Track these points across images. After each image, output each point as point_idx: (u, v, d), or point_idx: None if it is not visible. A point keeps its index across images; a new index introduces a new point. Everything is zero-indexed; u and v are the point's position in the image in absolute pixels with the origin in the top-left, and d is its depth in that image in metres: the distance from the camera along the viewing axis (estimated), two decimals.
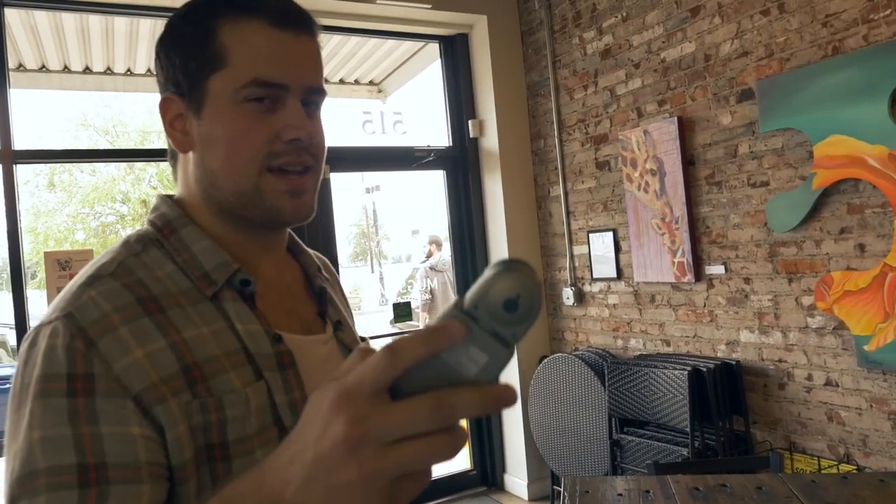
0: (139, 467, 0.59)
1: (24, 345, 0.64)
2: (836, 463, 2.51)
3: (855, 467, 2.45)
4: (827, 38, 2.45)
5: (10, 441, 0.61)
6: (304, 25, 0.73)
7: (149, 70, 4.30)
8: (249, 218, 0.74)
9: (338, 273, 1.01)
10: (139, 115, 12.74)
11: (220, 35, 0.70)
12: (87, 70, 4.20)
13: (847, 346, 2.47)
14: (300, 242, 0.87)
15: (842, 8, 2.40)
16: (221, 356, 0.68)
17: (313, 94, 0.74)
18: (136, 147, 11.59)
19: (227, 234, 0.75)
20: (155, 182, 12.90)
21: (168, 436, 0.62)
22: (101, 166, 12.16)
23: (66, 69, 4.15)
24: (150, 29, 3.70)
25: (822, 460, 2.57)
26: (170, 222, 0.74)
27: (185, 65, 0.72)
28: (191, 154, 0.74)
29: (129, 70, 4.28)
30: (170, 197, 0.78)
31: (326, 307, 0.83)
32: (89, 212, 12.72)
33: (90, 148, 10.06)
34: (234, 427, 0.65)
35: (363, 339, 0.91)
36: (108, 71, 4.25)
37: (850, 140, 2.36)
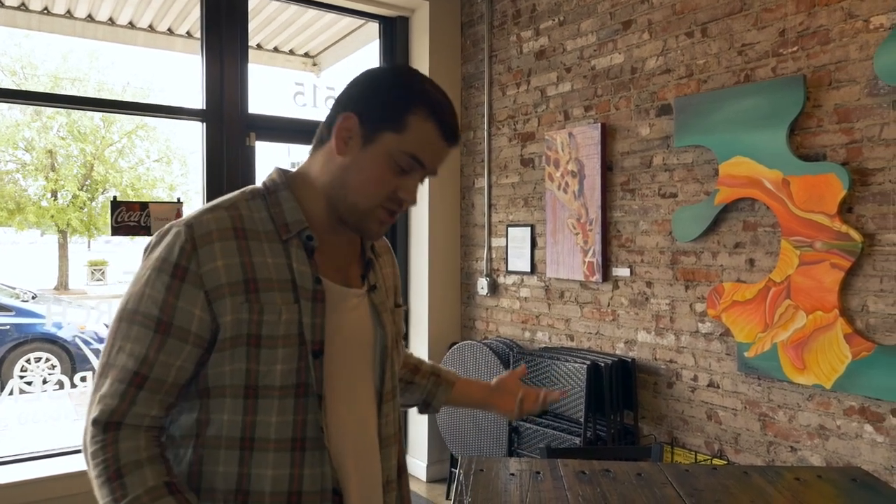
0: (189, 333, 0.97)
1: (161, 233, 1.01)
2: (709, 458, 2.72)
3: (726, 462, 2.66)
4: (741, 66, 2.63)
5: (133, 283, 1.00)
6: (456, 143, 1.08)
7: (68, 12, 4.05)
8: (344, 220, 1.07)
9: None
10: (52, 59, 11.91)
11: (411, 114, 1.02)
12: None
13: (730, 352, 2.68)
14: None
15: (756, 39, 2.58)
16: (274, 280, 1.01)
17: (430, 175, 1.08)
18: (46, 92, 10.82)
19: (318, 208, 1.07)
20: (64, 133, 12.11)
21: (219, 321, 0.97)
22: (3, 108, 11.27)
23: None
24: None
25: (698, 455, 2.78)
26: (275, 185, 1.08)
27: (375, 108, 1.03)
28: (339, 157, 1.05)
29: (46, 8, 4.01)
30: (282, 170, 1.11)
31: (368, 273, 1.16)
32: None
33: None
34: (267, 327, 0.98)
35: (399, 305, 1.26)
36: (22, 6, 3.97)
37: (751, 162, 2.55)
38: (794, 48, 2.46)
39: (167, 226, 1.02)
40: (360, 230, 1.08)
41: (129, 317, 0.97)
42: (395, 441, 1.17)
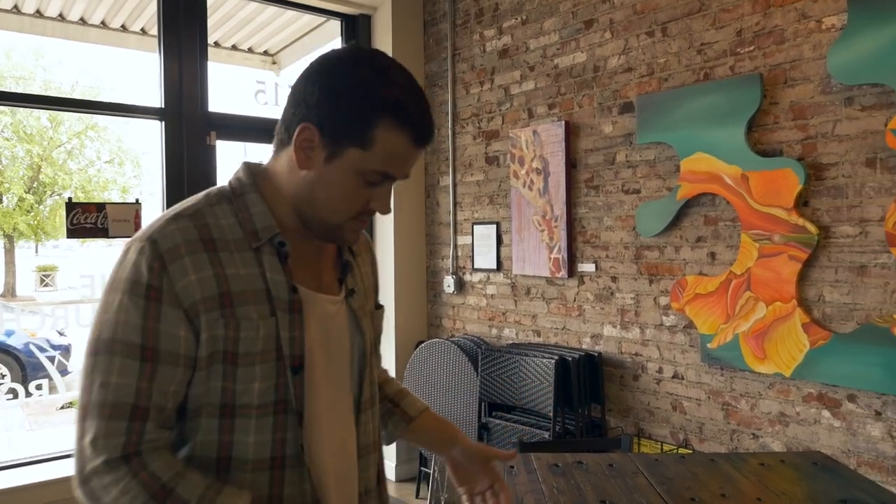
0: (178, 356, 0.89)
1: (123, 252, 0.91)
2: (675, 447, 2.79)
3: (691, 451, 2.73)
4: (700, 65, 2.70)
5: (101, 310, 0.89)
6: (429, 142, 0.97)
7: (15, 6, 3.90)
8: (314, 232, 1.00)
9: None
10: None
11: (376, 128, 0.91)
12: None
13: (693, 344, 2.75)
14: None
15: (715, 39, 2.65)
16: (249, 292, 0.93)
17: (403, 179, 1.00)
18: None
19: (287, 213, 0.99)
20: (9, 133, 11.66)
21: (200, 338, 0.90)
22: None
23: None
24: None
25: (664, 445, 2.84)
26: (242, 187, 0.99)
27: (336, 121, 0.92)
28: (304, 171, 0.96)
29: None
30: (250, 166, 1.02)
31: (346, 276, 1.09)
32: None
33: None
34: (244, 344, 0.92)
35: (379, 307, 1.20)
36: None
37: (712, 158, 2.62)
38: (751, 47, 2.54)
39: (127, 242, 0.93)
40: (333, 241, 1.03)
41: (105, 348, 0.87)
42: (374, 449, 1.12)
